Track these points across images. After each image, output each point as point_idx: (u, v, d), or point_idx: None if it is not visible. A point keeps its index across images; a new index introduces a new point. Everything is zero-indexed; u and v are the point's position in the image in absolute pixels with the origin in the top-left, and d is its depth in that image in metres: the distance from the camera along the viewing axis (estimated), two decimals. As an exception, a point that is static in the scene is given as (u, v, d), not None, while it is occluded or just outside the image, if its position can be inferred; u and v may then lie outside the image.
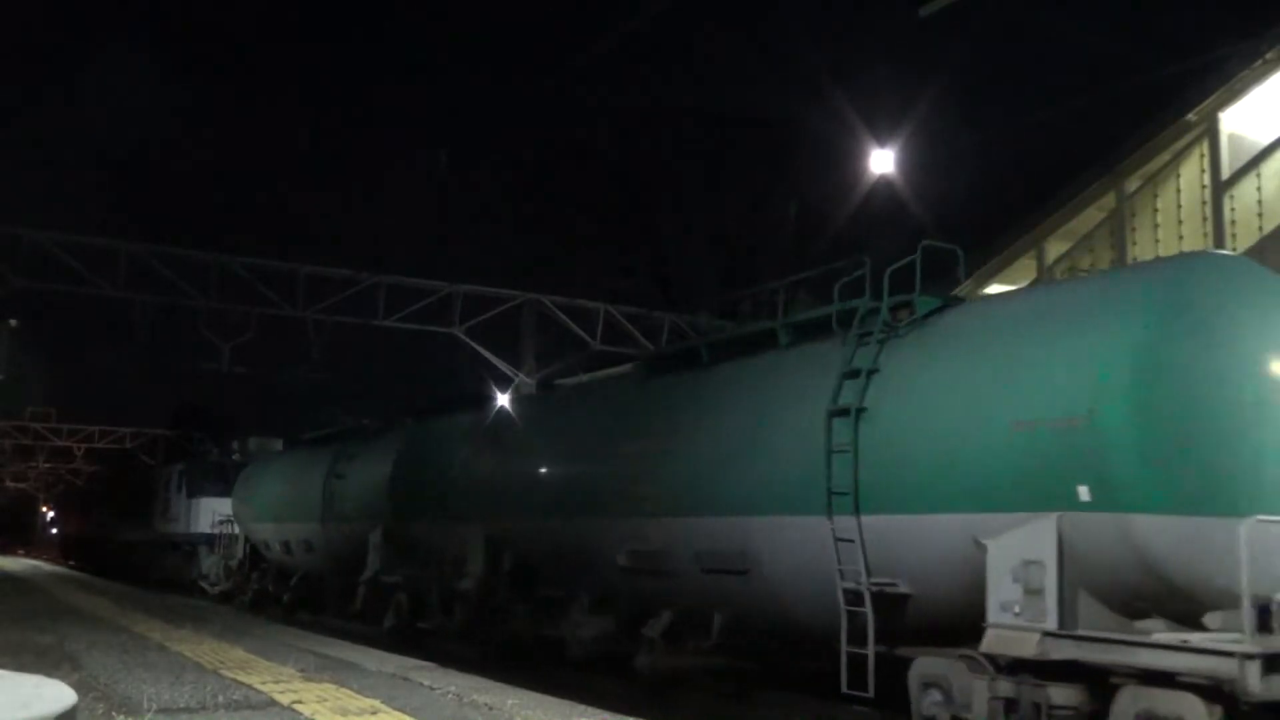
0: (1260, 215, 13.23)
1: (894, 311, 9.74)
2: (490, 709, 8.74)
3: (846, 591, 9.17)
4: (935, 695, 8.64)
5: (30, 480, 71.61)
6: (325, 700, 9.00)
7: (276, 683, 9.98)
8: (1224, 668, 6.70)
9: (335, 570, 20.39)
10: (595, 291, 30.26)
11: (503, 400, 17.96)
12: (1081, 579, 7.84)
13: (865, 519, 9.08)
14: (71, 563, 52.97)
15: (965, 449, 8.44)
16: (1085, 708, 7.64)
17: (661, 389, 12.68)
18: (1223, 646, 6.77)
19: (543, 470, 14.20)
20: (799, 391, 10.13)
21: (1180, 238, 14.05)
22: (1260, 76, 13.53)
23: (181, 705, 8.73)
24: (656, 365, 13.46)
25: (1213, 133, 13.99)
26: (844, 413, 9.35)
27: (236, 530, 26.68)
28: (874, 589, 9.01)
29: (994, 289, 16.12)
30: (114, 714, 8.16)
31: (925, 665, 8.78)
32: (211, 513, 29.66)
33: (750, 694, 12.07)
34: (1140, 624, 7.87)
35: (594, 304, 28.76)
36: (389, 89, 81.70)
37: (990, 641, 8.05)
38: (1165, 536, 7.34)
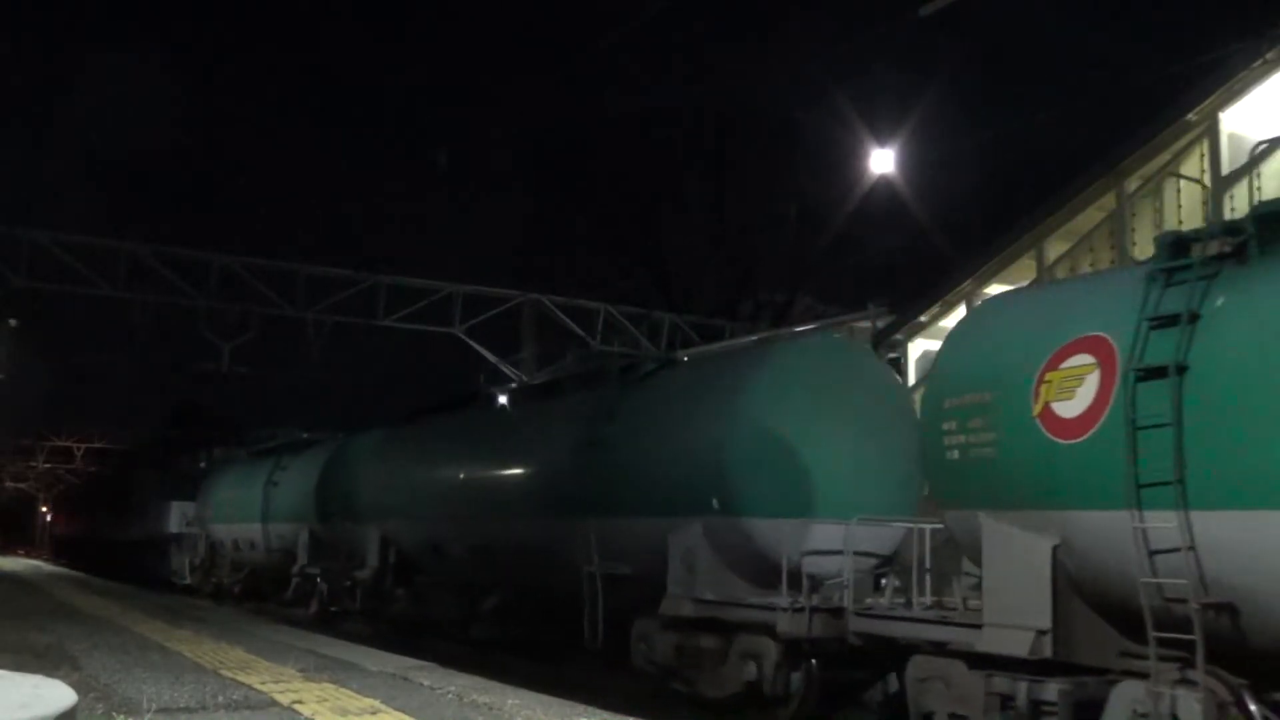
0: (1260, 215, 14.55)
1: (627, 370, 13.28)
2: (490, 709, 8.80)
3: (587, 574, 12.70)
4: (643, 647, 12.15)
5: (30, 480, 73.00)
6: (325, 700, 9.05)
7: (276, 683, 10.04)
8: (772, 618, 10.21)
9: (273, 564, 23.95)
10: (595, 291, 30.52)
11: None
12: (725, 561, 11.38)
13: (601, 520, 12.62)
14: (63, 561, 55.60)
15: (659, 471, 12.00)
16: (722, 650, 11.15)
17: (494, 419, 16.23)
18: (769, 603, 10.29)
19: (416, 481, 17.72)
20: (569, 427, 13.66)
21: (1180, 237, 15.36)
22: (1260, 76, 13.55)
23: (181, 705, 8.74)
24: (492, 401, 17.05)
25: (1213, 133, 14.03)
26: (590, 443, 12.88)
27: (199, 530, 30.12)
28: (603, 571, 12.55)
29: (994, 289, 17.04)
30: (114, 714, 8.17)
31: (638, 626, 12.28)
32: (181, 515, 32.92)
33: (563, 655, 15.55)
34: (773, 592, 11.38)
35: (594, 304, 28.78)
36: (388, 88, 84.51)
37: (664, 605, 11.59)
38: (758, 531, 10.90)
